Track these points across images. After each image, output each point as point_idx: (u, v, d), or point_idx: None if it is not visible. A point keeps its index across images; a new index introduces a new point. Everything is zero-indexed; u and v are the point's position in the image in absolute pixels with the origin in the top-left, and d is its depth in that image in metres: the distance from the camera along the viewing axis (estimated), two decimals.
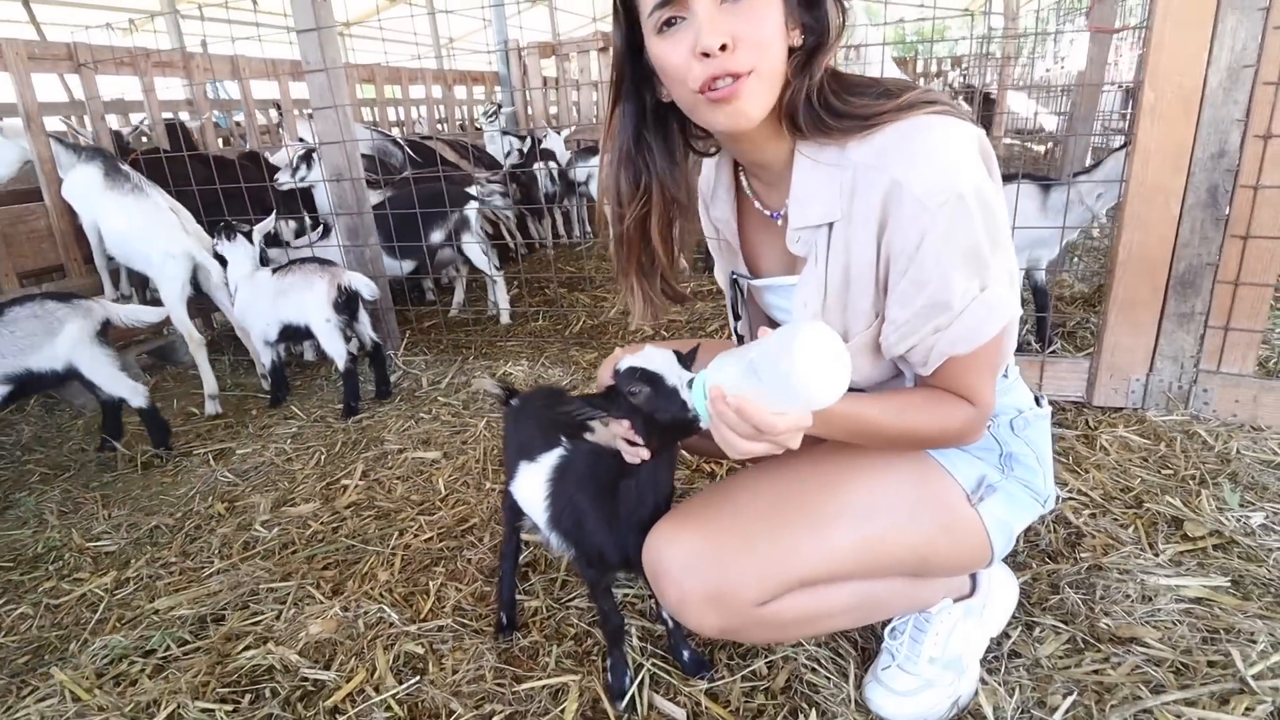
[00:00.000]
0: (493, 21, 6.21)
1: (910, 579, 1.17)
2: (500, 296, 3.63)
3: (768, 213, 1.13)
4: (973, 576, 1.28)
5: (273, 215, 2.93)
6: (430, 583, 1.67)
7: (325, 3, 2.65)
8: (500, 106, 5.89)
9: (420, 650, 1.46)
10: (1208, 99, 1.88)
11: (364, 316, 2.81)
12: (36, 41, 3.03)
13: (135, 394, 2.44)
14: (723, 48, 0.88)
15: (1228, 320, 2.05)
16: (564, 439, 1.24)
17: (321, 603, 1.64)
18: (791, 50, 0.96)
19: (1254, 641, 1.28)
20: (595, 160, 4.68)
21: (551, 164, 4.97)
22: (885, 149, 0.93)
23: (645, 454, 1.00)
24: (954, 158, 0.90)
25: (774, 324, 1.25)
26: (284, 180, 3.31)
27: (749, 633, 1.11)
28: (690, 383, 0.91)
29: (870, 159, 0.94)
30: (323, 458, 2.40)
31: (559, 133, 5.63)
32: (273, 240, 3.26)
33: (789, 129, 1.00)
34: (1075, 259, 3.67)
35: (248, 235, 2.80)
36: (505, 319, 3.62)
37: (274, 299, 2.72)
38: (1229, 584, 1.45)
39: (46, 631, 1.67)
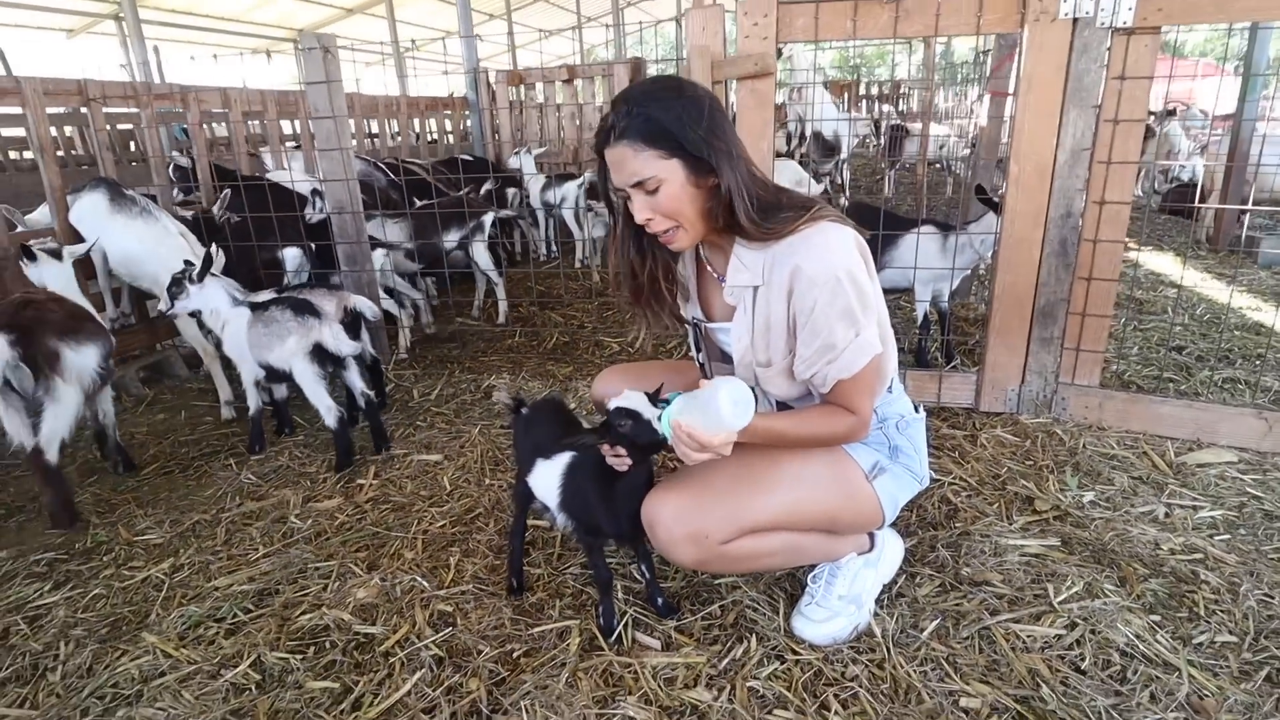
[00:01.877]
0: (461, 47, 6.53)
1: (826, 535, 1.63)
2: (402, 336, 3.78)
3: (715, 275, 1.59)
4: (871, 536, 1.75)
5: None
6: (450, 559, 2.06)
7: (334, 59, 3.00)
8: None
9: (449, 609, 1.85)
10: (1057, 172, 2.42)
11: (365, 335, 3.15)
12: (51, 79, 3.27)
13: (329, 413, 2.66)
14: (648, 220, 1.40)
15: (1078, 343, 2.60)
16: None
17: (361, 576, 2.01)
18: (716, 187, 1.39)
19: (1065, 580, 1.79)
20: (569, 185, 5.08)
21: (515, 189, 5.34)
22: (793, 243, 1.40)
23: (627, 463, 1.48)
24: (835, 251, 1.38)
25: (724, 354, 1.70)
26: (312, 215, 3.62)
27: (714, 565, 1.55)
28: (659, 417, 1.38)
29: (783, 249, 1.42)
30: (335, 461, 2.74)
31: (529, 151, 5.74)
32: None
33: (730, 231, 1.46)
34: (981, 285, 4.27)
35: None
36: (402, 354, 3.76)
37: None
38: (1059, 543, 1.97)
39: (120, 608, 1.98)
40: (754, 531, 1.50)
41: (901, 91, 12.52)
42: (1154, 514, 2.13)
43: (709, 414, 1.28)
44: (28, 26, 11.03)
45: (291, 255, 3.27)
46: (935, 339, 3.32)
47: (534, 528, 2.17)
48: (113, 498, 2.60)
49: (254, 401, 2.85)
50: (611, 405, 1.45)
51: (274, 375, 2.78)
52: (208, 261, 2.80)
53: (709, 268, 1.61)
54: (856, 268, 1.39)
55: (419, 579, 1.97)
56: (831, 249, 1.38)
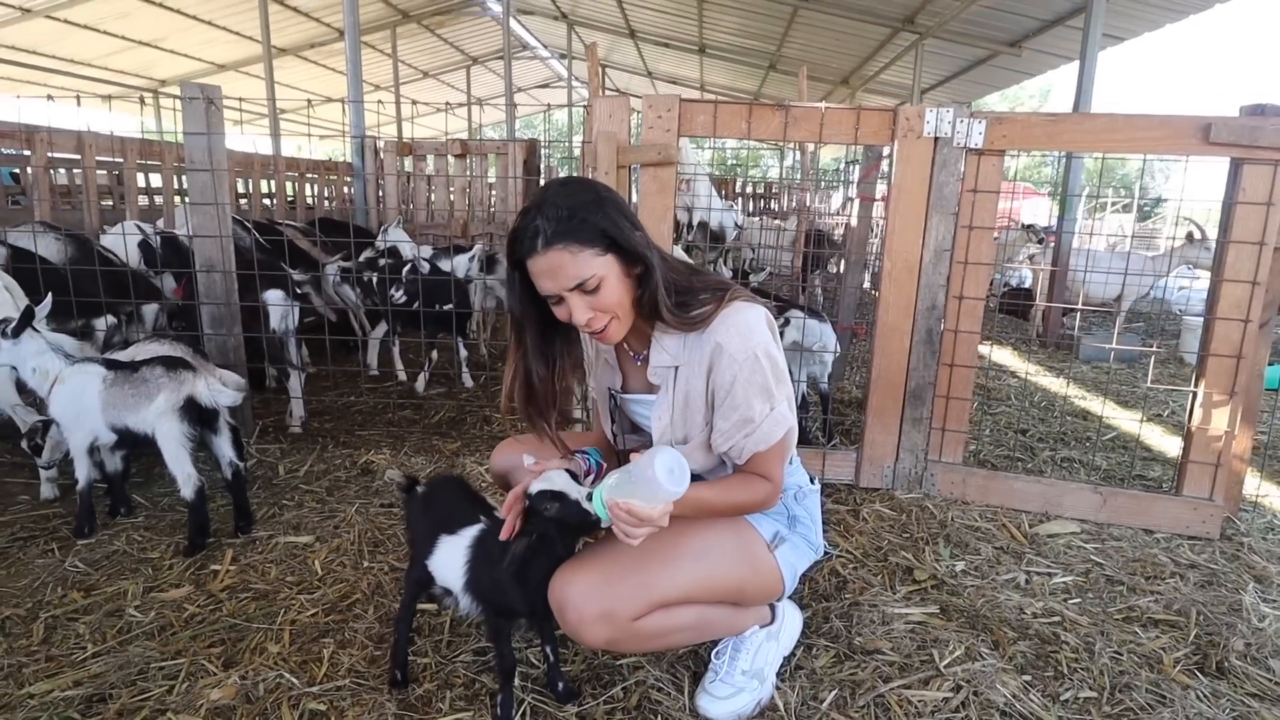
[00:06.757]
0: (350, 111, 6.42)
1: (732, 607, 1.63)
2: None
3: (632, 354, 1.63)
4: (773, 608, 1.76)
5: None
6: (323, 651, 1.85)
7: (218, 112, 2.87)
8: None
9: (323, 708, 1.65)
10: (924, 269, 2.70)
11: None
12: None
13: (189, 482, 2.36)
14: (589, 319, 1.40)
15: (944, 424, 2.84)
16: (482, 517, 1.60)
17: (215, 674, 1.76)
18: (641, 275, 1.43)
19: (948, 645, 1.89)
20: (460, 258, 4.93)
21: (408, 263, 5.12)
22: (712, 322, 1.46)
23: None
24: (753, 330, 1.45)
25: (636, 427, 1.71)
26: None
27: (625, 644, 1.49)
28: (589, 495, 1.36)
29: (701, 329, 1.47)
30: (185, 544, 2.42)
31: (398, 224, 5.35)
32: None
33: (651, 318, 1.50)
34: (855, 370, 4.60)
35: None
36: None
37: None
38: (939, 611, 2.07)
39: None
40: (664, 606, 1.47)
41: (774, 191, 13.67)
42: (1016, 581, 2.30)
43: (645, 486, 1.27)
44: None
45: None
46: (815, 419, 3.51)
47: (422, 611, 2.01)
48: None
49: (84, 473, 2.47)
50: (533, 489, 1.41)
51: (125, 441, 2.46)
52: (28, 316, 2.46)
53: (625, 345, 1.64)
54: (772, 345, 1.47)
55: (286, 675, 1.75)
56: (749, 328, 1.45)
